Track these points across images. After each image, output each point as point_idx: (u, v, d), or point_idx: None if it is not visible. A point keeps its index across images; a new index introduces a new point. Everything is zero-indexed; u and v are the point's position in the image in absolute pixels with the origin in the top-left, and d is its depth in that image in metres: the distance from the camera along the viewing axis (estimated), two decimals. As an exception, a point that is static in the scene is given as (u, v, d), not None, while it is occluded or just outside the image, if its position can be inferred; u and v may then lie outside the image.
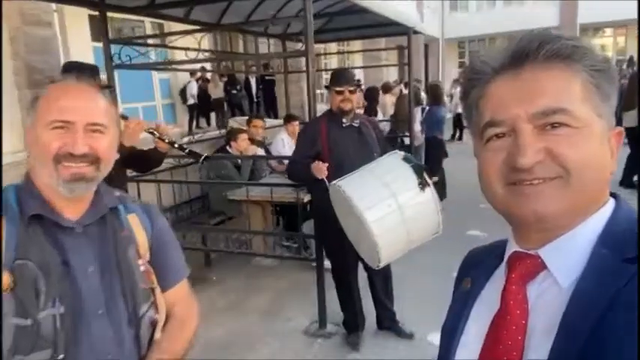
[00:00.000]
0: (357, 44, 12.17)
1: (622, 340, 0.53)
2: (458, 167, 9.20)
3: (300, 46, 6.89)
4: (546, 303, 0.63)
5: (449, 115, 10.17)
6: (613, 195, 0.68)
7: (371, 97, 7.38)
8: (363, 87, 13.24)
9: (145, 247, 1.22)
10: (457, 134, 12.44)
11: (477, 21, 21.55)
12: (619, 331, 0.54)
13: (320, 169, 2.85)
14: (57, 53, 5.54)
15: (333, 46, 11.05)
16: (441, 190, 6.55)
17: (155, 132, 2.61)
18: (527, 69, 0.64)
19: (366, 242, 2.62)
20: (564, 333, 0.58)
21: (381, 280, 3.18)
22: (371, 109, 7.23)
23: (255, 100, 12.13)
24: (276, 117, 11.04)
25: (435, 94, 6.40)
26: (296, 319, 3.61)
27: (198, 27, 4.30)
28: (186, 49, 4.03)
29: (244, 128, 5.25)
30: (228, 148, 4.85)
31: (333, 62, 13.85)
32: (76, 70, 2.65)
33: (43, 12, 5.31)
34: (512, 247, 0.71)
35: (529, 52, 0.64)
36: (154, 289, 1.20)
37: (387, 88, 9.80)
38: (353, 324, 3.20)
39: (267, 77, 11.67)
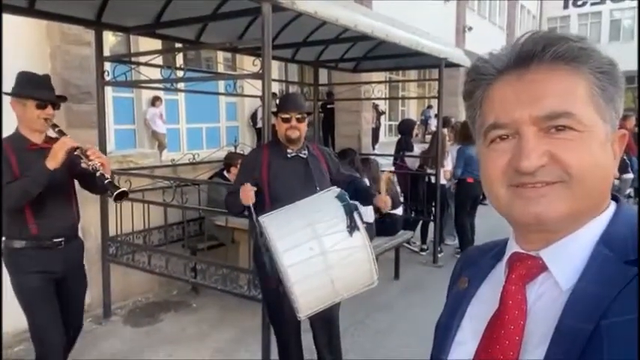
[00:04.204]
0: (412, 74, 11.76)
1: (621, 343, 0.53)
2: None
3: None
4: (546, 304, 0.63)
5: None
6: (615, 198, 0.68)
7: (406, 130, 6.94)
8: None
9: None
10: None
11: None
12: (618, 334, 0.54)
13: (247, 193, 2.54)
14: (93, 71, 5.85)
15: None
16: (468, 237, 5.92)
17: (81, 155, 2.36)
18: (531, 71, 0.63)
19: (286, 288, 2.31)
20: (561, 334, 0.58)
21: (322, 328, 2.77)
22: (407, 142, 6.81)
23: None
24: (333, 146, 10.90)
25: (463, 133, 5.90)
26: (245, 363, 3.32)
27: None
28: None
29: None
30: (225, 173, 4.71)
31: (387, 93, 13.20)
32: (35, 82, 2.50)
33: (84, 32, 5.64)
34: (512, 248, 0.70)
35: (534, 53, 0.63)
36: None
37: (446, 122, 9.31)
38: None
39: (328, 105, 11.58)
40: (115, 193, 2.30)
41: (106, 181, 2.33)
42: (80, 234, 2.82)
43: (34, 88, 2.47)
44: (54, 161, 2.33)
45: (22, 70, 2.56)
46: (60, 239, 2.54)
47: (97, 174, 2.33)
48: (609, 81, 0.63)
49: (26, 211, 2.43)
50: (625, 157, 5.73)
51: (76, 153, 2.37)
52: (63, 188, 2.58)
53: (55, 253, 2.52)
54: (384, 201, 2.67)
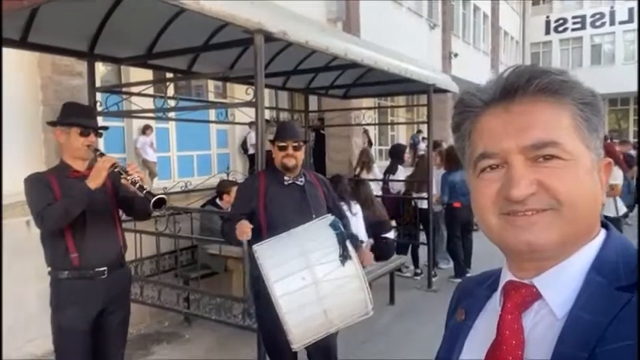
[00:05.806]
0: (401, 100, 11.95)
1: None
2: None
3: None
4: (542, 333, 0.63)
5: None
6: (604, 225, 0.68)
7: (396, 154, 7.03)
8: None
9: None
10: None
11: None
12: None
13: (242, 229, 2.54)
14: (85, 101, 5.86)
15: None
16: (460, 261, 5.92)
17: (121, 171, 2.38)
18: (517, 102, 0.65)
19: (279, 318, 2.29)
20: None
21: (320, 357, 2.73)
22: (394, 166, 6.87)
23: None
24: (324, 172, 10.94)
25: (448, 159, 5.94)
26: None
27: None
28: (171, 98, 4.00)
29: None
30: (218, 201, 4.71)
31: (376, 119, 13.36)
32: (79, 111, 2.59)
33: (75, 62, 5.67)
34: (506, 276, 0.71)
35: (519, 86, 0.65)
36: None
37: (436, 146, 9.40)
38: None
39: (321, 131, 11.64)
40: (152, 200, 2.31)
41: (144, 191, 2.35)
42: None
43: (77, 117, 2.52)
44: (96, 180, 2.34)
45: (68, 101, 2.65)
46: (102, 268, 2.48)
47: (137, 185, 2.35)
48: (592, 111, 0.65)
49: (67, 239, 2.41)
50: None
51: (116, 170, 2.39)
52: (105, 215, 2.55)
53: (97, 283, 2.46)
54: (366, 258, 2.68)
